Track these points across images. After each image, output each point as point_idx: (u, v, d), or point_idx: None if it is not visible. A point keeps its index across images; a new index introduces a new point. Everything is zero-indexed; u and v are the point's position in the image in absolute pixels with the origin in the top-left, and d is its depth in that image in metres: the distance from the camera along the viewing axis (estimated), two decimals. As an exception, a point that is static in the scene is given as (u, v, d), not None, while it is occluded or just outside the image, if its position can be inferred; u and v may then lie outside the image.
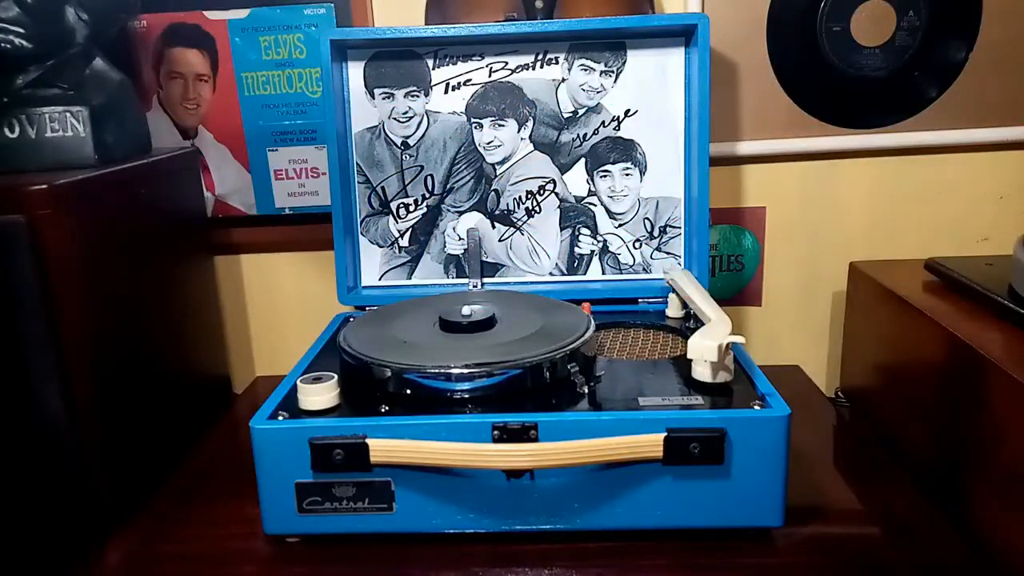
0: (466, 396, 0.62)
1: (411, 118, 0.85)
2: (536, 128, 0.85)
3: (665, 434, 0.56)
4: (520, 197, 0.86)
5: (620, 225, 0.87)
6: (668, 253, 0.87)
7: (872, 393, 0.86)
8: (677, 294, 0.79)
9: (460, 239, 0.87)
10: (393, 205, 0.87)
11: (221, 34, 0.91)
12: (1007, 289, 0.70)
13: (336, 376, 0.62)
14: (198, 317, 0.92)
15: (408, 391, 0.62)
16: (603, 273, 0.88)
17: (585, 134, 0.85)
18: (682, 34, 0.82)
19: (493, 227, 0.87)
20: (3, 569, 0.63)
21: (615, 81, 0.84)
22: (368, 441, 0.57)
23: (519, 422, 0.57)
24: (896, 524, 0.63)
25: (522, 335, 0.67)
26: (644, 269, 0.87)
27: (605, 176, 0.86)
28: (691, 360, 0.62)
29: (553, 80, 0.84)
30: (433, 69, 0.84)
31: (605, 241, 0.87)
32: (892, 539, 0.61)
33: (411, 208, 0.87)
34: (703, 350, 0.61)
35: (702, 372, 0.62)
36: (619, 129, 0.85)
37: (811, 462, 0.73)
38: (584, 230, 0.87)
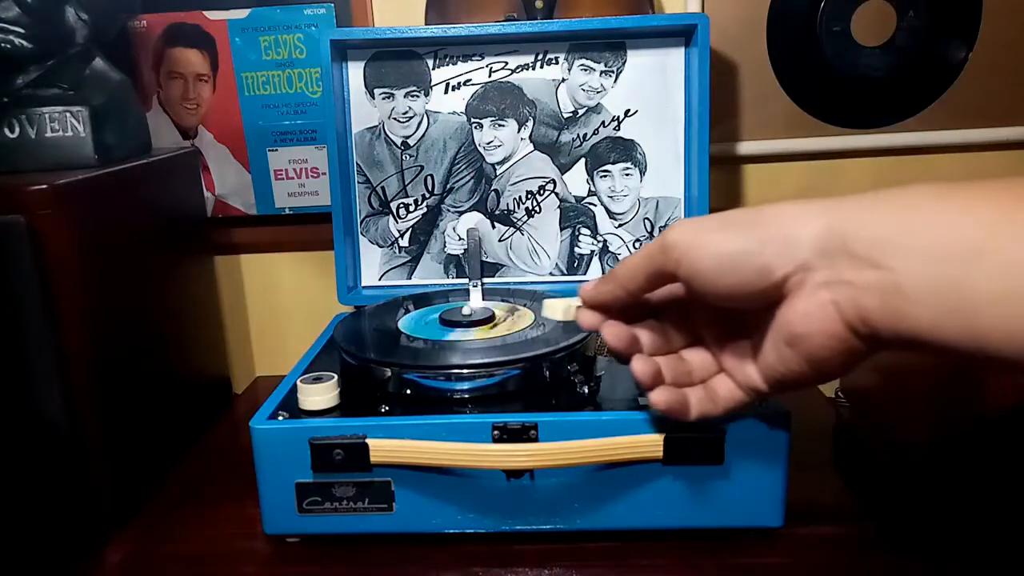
0: (466, 396, 0.62)
1: (411, 118, 0.85)
2: (536, 128, 0.85)
3: (665, 434, 0.57)
4: (520, 197, 0.86)
5: (620, 225, 0.87)
6: (668, 253, 0.87)
7: (872, 393, 0.86)
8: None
9: (460, 239, 0.87)
10: (393, 205, 0.87)
11: (221, 34, 0.91)
12: (1007, 289, 0.70)
13: (336, 376, 0.62)
14: (198, 317, 0.92)
15: (408, 391, 0.63)
16: (603, 273, 0.87)
17: (585, 134, 0.85)
18: (682, 34, 0.82)
19: (493, 227, 0.87)
20: (4, 569, 0.63)
21: (615, 81, 0.84)
22: (368, 441, 0.57)
23: (519, 422, 0.57)
24: (896, 524, 0.63)
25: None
26: (644, 269, 0.87)
27: (605, 176, 0.86)
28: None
29: (553, 80, 0.84)
30: (433, 69, 0.84)
31: (605, 241, 0.87)
32: (892, 539, 0.61)
33: (411, 208, 0.87)
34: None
35: (702, 372, 0.62)
36: (619, 129, 0.85)
37: (811, 462, 0.73)
38: (584, 230, 0.87)
